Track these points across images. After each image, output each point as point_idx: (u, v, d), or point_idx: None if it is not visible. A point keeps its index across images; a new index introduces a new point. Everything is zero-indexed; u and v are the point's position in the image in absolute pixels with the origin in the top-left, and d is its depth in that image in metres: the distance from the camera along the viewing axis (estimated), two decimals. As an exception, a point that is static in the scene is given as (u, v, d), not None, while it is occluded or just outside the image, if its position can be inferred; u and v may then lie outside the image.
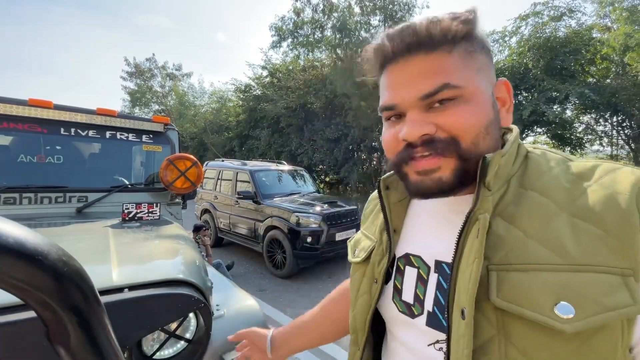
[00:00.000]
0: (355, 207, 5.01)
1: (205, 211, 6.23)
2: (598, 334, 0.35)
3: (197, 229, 4.17)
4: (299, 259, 4.33)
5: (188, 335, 1.07)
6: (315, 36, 9.23)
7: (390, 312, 0.53)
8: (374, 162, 12.10)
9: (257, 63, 19.16)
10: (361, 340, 0.57)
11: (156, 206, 1.77)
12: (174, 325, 1.03)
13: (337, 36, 8.62)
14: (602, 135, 9.82)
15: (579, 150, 10.25)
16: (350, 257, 0.64)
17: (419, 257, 0.51)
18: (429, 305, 0.47)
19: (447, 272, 0.46)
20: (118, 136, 2.06)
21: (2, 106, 1.70)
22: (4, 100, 1.72)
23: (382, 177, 0.57)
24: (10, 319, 0.75)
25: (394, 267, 0.54)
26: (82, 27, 71.17)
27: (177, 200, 2.19)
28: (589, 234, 0.37)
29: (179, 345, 1.06)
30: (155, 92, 21.52)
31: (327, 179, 14.22)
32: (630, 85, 7.84)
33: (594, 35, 9.11)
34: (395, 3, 8.48)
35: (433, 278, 0.48)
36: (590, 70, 9.36)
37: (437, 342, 0.46)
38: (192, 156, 2.03)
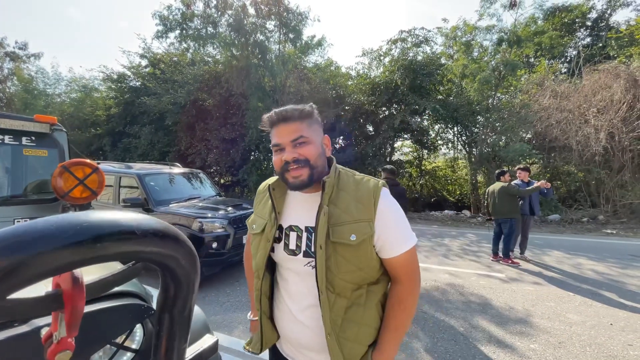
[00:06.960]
0: (259, 208, 5.06)
1: (77, 224, 5.19)
2: (363, 243, 0.88)
3: None
4: (204, 266, 4.14)
5: (134, 346, 1.04)
6: (208, 31, 8.75)
7: (282, 255, 0.97)
8: (272, 164, 12.20)
9: (133, 50, 16.74)
10: (261, 273, 0.99)
11: None
12: (121, 337, 0.98)
13: (233, 35, 8.40)
14: (448, 141, 12.61)
15: (433, 152, 12.90)
16: (250, 231, 1.08)
17: (297, 226, 0.96)
18: (303, 247, 0.94)
19: (311, 230, 0.93)
20: None
21: None
22: None
23: (270, 183, 1.01)
24: None
25: (282, 233, 0.98)
26: None
27: (70, 212, 1.86)
28: (360, 206, 0.90)
29: (125, 358, 1.02)
30: (-13, 74, 16.33)
31: (222, 181, 13.64)
32: (466, 104, 10.38)
33: (442, 62, 11.64)
34: (290, 12, 8.83)
35: (304, 235, 0.95)
36: (440, 89, 11.92)
37: (309, 263, 0.92)
38: (91, 161, 1.77)
